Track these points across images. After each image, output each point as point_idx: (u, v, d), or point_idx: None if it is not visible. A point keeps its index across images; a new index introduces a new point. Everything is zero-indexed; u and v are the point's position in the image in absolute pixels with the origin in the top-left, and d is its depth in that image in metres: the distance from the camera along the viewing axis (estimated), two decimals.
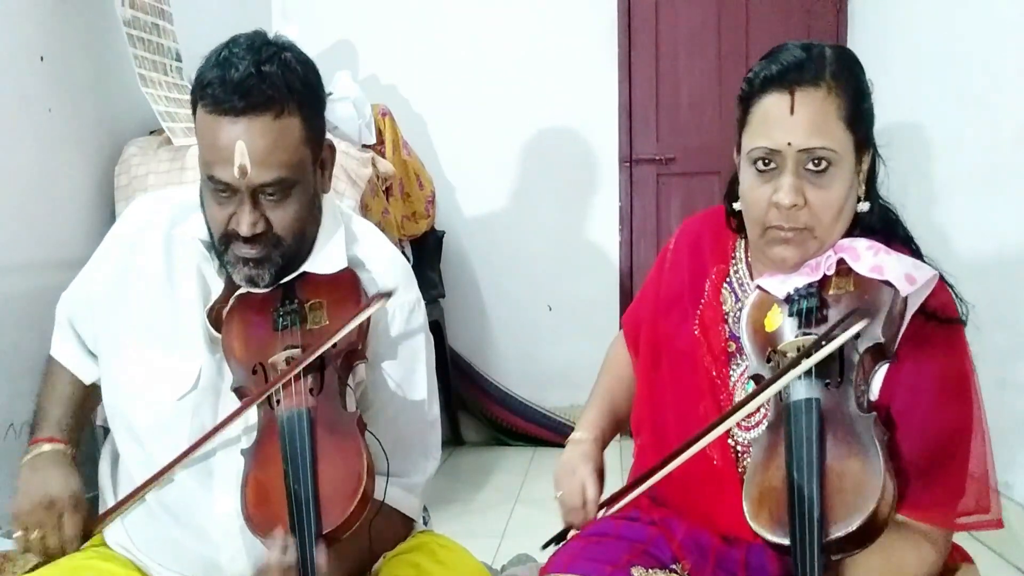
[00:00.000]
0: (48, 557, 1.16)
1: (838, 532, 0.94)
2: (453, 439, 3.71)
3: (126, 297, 1.23)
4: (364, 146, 2.78)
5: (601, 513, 1.24)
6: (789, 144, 1.08)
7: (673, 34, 3.73)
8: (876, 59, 3.34)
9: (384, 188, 2.78)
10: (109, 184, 2.49)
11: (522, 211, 3.78)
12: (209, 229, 1.19)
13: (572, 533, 1.25)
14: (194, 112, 1.15)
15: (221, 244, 1.16)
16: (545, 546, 1.26)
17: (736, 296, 1.22)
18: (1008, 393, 2.30)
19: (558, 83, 3.71)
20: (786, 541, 0.97)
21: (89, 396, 1.31)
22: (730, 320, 1.21)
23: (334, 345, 1.13)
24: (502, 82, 3.72)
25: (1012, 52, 2.39)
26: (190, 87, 1.18)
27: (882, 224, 1.16)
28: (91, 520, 1.20)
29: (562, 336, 3.73)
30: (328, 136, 1.24)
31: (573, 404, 3.50)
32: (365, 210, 2.50)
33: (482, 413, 3.72)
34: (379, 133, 2.90)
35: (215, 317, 1.21)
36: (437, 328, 3.43)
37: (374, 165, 2.66)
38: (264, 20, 3.70)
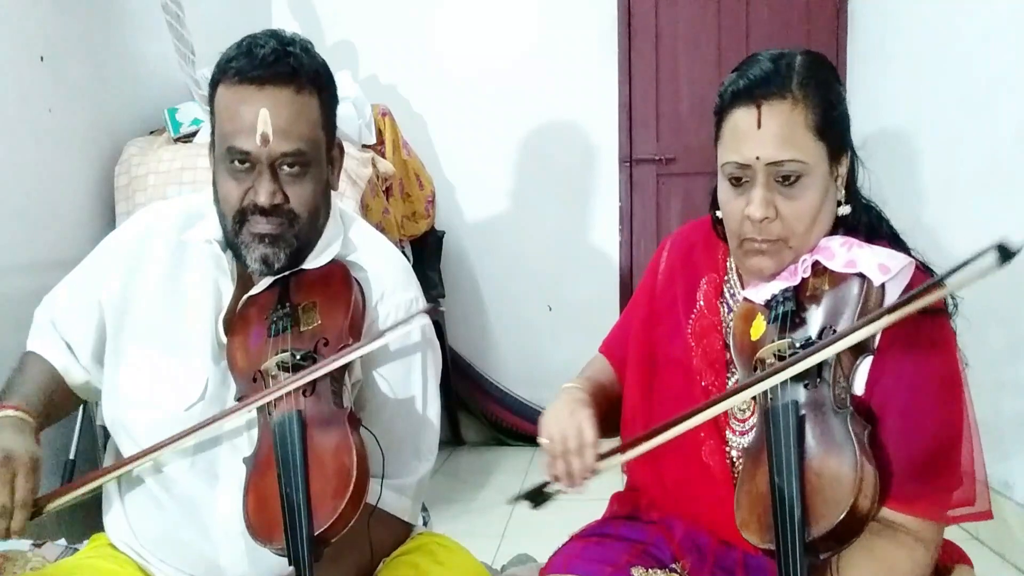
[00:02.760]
0: None
1: (820, 530, 0.95)
2: (453, 439, 3.71)
3: (133, 305, 1.23)
4: (364, 146, 2.78)
5: (603, 464, 1.12)
6: (757, 158, 1.08)
7: (673, 34, 3.73)
8: (876, 59, 3.34)
9: (384, 188, 2.78)
10: (109, 184, 2.49)
11: (522, 211, 3.78)
12: (222, 216, 1.18)
13: (554, 487, 1.13)
14: (211, 99, 1.17)
15: (236, 223, 1.16)
16: (516, 499, 1.16)
17: (728, 306, 1.23)
18: (1007, 393, 2.30)
19: (558, 83, 3.71)
20: (774, 547, 0.97)
21: (63, 392, 1.26)
22: (725, 330, 1.21)
23: (325, 366, 1.11)
24: (502, 82, 3.72)
25: (1012, 52, 2.39)
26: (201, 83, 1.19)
27: (867, 224, 1.16)
28: (44, 495, 1.12)
29: (562, 336, 3.73)
30: (337, 137, 1.26)
31: None
32: (365, 210, 2.51)
33: (482, 413, 3.72)
34: (379, 133, 2.90)
35: (227, 324, 1.22)
36: (437, 328, 3.42)
37: (374, 165, 2.66)
38: (264, 20, 3.71)
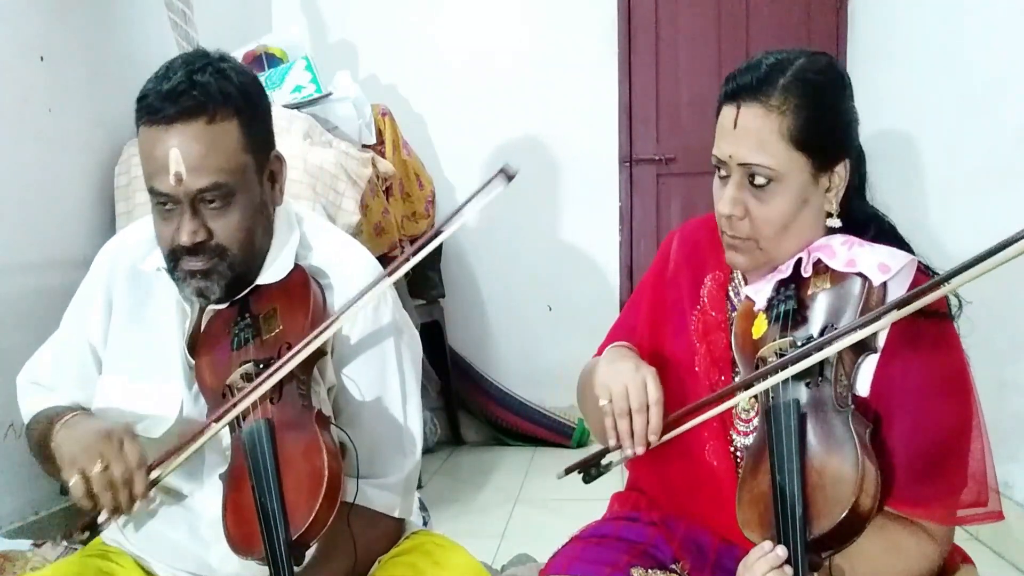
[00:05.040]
0: (114, 499, 1.06)
1: (821, 529, 0.95)
2: (453, 439, 3.71)
3: (108, 342, 1.24)
4: (364, 146, 2.78)
5: (663, 438, 1.07)
6: (730, 156, 1.11)
7: (673, 34, 3.73)
8: (876, 59, 3.34)
9: (384, 188, 2.78)
10: (109, 184, 2.49)
11: (522, 211, 3.78)
12: (162, 252, 1.18)
13: (612, 457, 1.10)
14: (138, 132, 1.16)
15: (170, 261, 1.16)
16: (569, 471, 1.12)
17: (733, 305, 1.23)
18: (1008, 393, 2.30)
19: (558, 83, 3.71)
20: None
21: None
22: (730, 328, 1.21)
23: (290, 368, 1.10)
24: (502, 82, 3.72)
25: (1012, 52, 2.39)
26: None
27: (874, 234, 1.15)
28: (151, 462, 1.10)
29: (562, 336, 3.73)
30: (277, 149, 1.23)
31: (573, 404, 3.43)
32: (365, 210, 2.51)
33: (482, 413, 3.72)
34: (379, 133, 2.90)
35: (193, 346, 1.22)
36: (437, 328, 3.43)
37: (374, 165, 2.66)
38: (264, 20, 3.71)
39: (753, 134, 1.08)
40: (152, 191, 1.13)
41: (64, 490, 2.31)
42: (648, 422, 1.08)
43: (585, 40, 3.71)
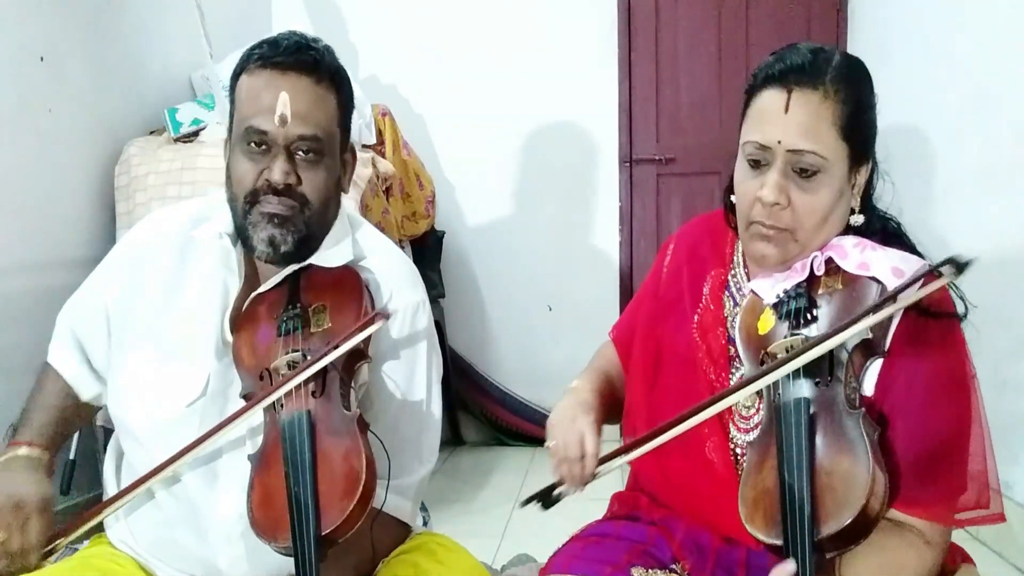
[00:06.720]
0: (8, 563, 1.12)
1: (829, 530, 0.95)
2: (453, 439, 3.71)
3: (135, 308, 1.24)
4: (364, 146, 2.78)
5: (604, 468, 1.15)
6: (779, 142, 1.08)
7: (673, 34, 3.73)
8: (876, 59, 3.33)
9: (384, 188, 2.78)
10: (109, 184, 2.49)
11: (522, 211, 3.79)
12: (233, 199, 1.20)
13: (561, 490, 1.16)
14: (232, 91, 1.21)
15: (247, 203, 1.18)
16: (526, 502, 1.17)
17: (734, 300, 1.22)
18: (1008, 393, 2.30)
19: (558, 83, 3.70)
20: (780, 542, 0.97)
21: (78, 411, 1.30)
22: (730, 324, 1.21)
23: (333, 361, 1.12)
24: (502, 82, 3.72)
25: (1012, 52, 2.39)
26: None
27: (882, 236, 1.15)
28: (55, 530, 1.17)
29: (562, 336, 3.74)
30: (351, 143, 1.29)
31: None
32: (365, 210, 2.51)
33: (482, 413, 3.72)
34: (379, 133, 2.90)
35: (233, 322, 1.22)
36: (437, 328, 3.42)
37: (374, 165, 2.66)
38: (264, 20, 3.71)
39: (808, 119, 1.06)
40: (249, 130, 1.16)
41: (65, 490, 2.32)
42: (584, 469, 1.14)
43: (585, 40, 3.71)
